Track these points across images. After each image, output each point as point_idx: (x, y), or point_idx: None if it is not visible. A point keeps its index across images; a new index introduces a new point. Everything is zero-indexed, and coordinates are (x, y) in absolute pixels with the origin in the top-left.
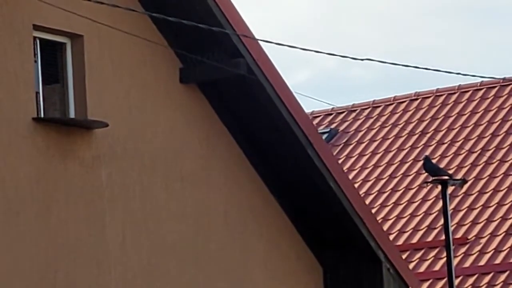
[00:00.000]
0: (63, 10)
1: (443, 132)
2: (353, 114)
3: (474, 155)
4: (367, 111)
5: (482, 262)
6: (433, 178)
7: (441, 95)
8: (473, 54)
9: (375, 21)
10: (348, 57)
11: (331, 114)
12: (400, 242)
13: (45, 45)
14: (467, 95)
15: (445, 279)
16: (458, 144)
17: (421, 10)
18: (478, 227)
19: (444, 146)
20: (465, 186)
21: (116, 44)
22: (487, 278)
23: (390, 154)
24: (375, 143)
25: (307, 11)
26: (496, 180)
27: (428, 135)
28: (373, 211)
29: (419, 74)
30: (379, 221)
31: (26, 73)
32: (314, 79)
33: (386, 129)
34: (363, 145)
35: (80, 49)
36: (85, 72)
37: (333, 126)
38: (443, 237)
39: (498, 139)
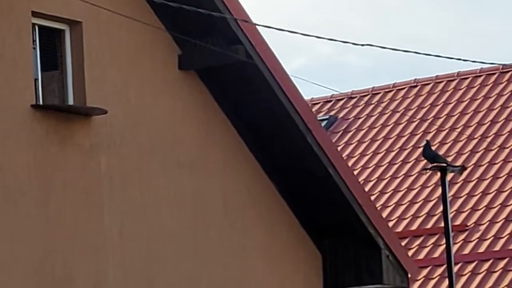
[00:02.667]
0: None
1: (443, 118)
2: (352, 101)
3: (473, 142)
4: (366, 98)
5: (481, 249)
6: (432, 164)
7: (441, 82)
8: (472, 45)
9: (374, 11)
10: (349, 42)
11: (330, 101)
12: (399, 229)
13: (43, 32)
14: (466, 82)
15: (444, 266)
16: (457, 130)
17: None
18: (478, 213)
19: (444, 132)
20: (465, 173)
21: (115, 31)
22: (486, 265)
23: (390, 141)
24: (375, 130)
25: (306, 2)
26: (496, 167)
27: (428, 121)
28: (372, 198)
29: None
30: (378, 208)
31: (24, 60)
32: (312, 66)
33: (385, 116)
34: (362, 132)
35: (79, 36)
36: (83, 59)
37: (332, 113)
38: (442, 224)
39: (498, 125)
